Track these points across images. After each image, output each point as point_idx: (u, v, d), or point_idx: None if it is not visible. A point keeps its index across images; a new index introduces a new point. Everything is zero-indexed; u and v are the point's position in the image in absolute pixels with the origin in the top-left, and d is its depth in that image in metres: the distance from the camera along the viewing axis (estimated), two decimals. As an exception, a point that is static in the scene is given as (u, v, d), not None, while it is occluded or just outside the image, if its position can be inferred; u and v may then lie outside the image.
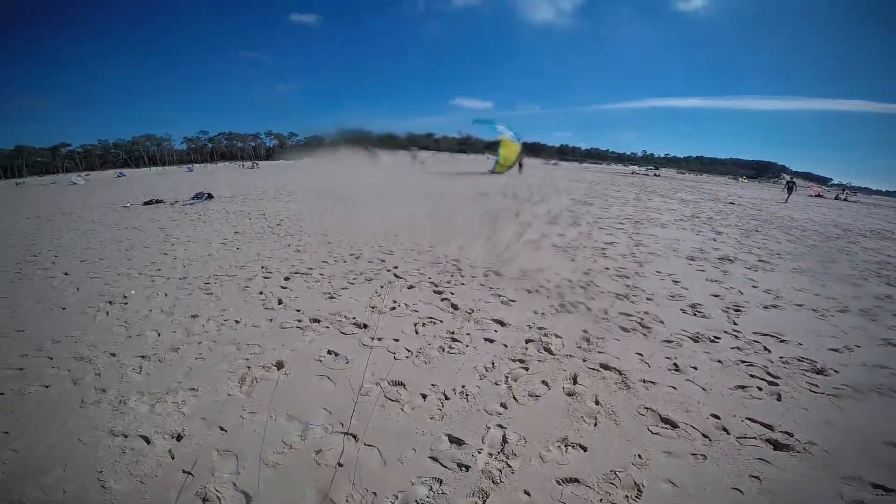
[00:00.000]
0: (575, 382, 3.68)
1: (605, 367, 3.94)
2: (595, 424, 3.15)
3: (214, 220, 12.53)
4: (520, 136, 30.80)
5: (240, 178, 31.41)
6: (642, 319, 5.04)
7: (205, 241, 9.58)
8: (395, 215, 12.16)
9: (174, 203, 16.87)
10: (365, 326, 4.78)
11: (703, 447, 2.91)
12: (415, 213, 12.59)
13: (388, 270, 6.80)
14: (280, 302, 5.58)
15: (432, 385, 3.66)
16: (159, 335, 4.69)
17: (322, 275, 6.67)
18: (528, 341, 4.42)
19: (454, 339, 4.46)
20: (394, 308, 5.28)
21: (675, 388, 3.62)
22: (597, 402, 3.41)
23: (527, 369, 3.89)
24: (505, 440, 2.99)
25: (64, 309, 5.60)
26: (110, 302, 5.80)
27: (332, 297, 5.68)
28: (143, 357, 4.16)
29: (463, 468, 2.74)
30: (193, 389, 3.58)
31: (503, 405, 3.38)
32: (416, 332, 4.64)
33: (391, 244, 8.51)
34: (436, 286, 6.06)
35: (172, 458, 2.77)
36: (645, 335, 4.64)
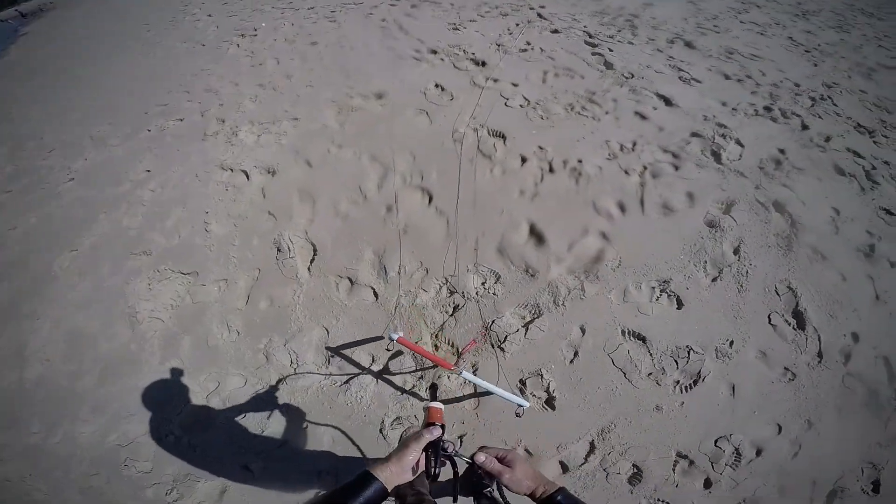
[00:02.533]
0: (727, 212, 2.55)
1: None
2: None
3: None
4: None
5: None
6: None
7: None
8: None
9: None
10: (483, 64, 3.80)
11: None
12: None
13: (532, 8, 5.09)
14: (401, 28, 4.83)
15: (539, 148, 2.91)
16: (279, 63, 4.53)
17: (452, 4, 5.42)
18: (694, 135, 3.10)
19: (591, 101, 3.29)
20: (525, 50, 4.02)
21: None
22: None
23: (676, 168, 2.83)
24: (600, 258, 2.37)
25: (203, 45, 5.74)
26: (242, 35, 5.72)
27: (457, 29, 4.58)
28: (260, 86, 4.09)
29: (530, 275, 2.33)
30: (295, 119, 3.46)
31: (621, 206, 2.58)
32: (544, 82, 3.52)
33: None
34: (590, 37, 4.33)
35: (263, 198, 2.80)
36: None
